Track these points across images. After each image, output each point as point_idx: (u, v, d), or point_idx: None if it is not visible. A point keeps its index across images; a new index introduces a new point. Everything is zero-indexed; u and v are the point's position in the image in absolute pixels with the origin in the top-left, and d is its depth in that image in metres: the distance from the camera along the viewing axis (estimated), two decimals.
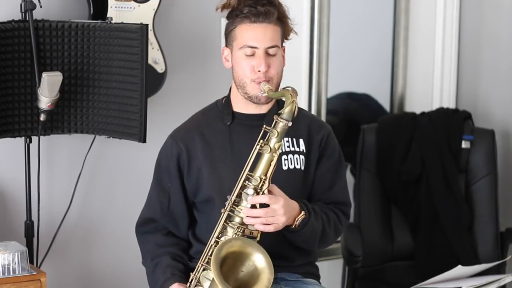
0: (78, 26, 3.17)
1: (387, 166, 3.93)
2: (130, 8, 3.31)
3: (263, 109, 2.69)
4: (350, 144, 4.17)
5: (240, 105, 2.70)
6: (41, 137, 3.20)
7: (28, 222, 3.24)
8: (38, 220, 3.27)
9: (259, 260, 2.47)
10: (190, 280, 2.58)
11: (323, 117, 4.08)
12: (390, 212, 3.95)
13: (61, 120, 3.23)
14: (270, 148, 2.52)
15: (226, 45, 2.68)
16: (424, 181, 3.92)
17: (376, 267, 3.87)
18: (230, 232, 2.53)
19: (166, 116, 3.50)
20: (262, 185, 2.52)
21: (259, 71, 2.59)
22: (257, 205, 2.51)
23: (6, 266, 2.92)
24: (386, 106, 4.45)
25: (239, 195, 2.54)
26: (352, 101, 4.47)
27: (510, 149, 4.20)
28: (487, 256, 3.86)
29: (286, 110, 2.52)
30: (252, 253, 2.47)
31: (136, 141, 3.21)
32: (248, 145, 2.59)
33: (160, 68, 3.41)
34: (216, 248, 2.46)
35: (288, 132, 2.64)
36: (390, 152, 3.95)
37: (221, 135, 2.70)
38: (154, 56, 3.38)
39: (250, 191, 2.51)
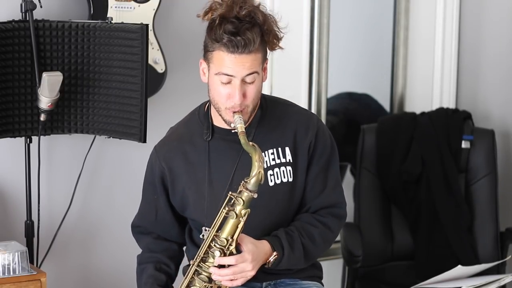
0: (78, 26, 3.17)
1: (387, 166, 3.93)
2: (130, 8, 3.31)
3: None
4: (350, 144, 4.17)
5: (220, 120, 2.60)
6: (41, 137, 3.20)
7: (28, 222, 3.24)
8: (38, 220, 3.27)
9: None
10: None
11: (323, 117, 4.08)
12: (390, 212, 3.95)
13: (61, 120, 3.23)
14: (236, 214, 2.47)
15: (204, 59, 2.56)
16: (424, 181, 3.92)
17: (376, 267, 3.87)
18: (198, 284, 2.53)
19: (166, 116, 3.50)
20: (229, 245, 2.49)
21: (234, 102, 2.50)
22: (226, 264, 2.50)
23: (6, 266, 2.92)
24: (386, 106, 4.45)
25: (206, 252, 2.52)
26: (352, 101, 4.47)
27: (510, 149, 4.20)
28: (487, 256, 3.86)
29: (252, 181, 2.43)
30: None
31: (136, 141, 3.21)
32: (227, 163, 2.56)
33: (160, 68, 3.41)
34: None
35: (274, 142, 2.60)
36: (390, 152, 3.95)
37: (202, 152, 2.64)
38: (154, 56, 3.38)
39: (217, 252, 2.48)
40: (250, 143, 2.45)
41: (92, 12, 3.27)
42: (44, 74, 3.05)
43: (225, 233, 2.48)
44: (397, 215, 3.95)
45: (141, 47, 3.13)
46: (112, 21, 3.20)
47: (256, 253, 2.51)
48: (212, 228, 2.50)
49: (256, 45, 2.47)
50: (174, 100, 3.57)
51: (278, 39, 2.55)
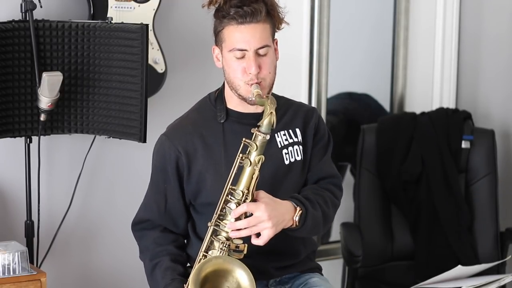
0: (78, 26, 3.17)
1: (387, 166, 3.93)
2: (130, 8, 3.31)
3: (259, 108, 2.64)
4: (350, 144, 4.17)
5: (234, 103, 2.67)
6: (41, 137, 3.20)
7: (28, 222, 3.24)
8: (38, 220, 3.27)
9: (241, 276, 2.47)
10: None
11: (323, 117, 4.09)
12: (390, 212, 3.95)
13: (61, 120, 3.23)
14: (251, 161, 2.49)
15: (216, 44, 2.64)
16: (424, 181, 3.92)
17: (376, 267, 3.87)
18: (216, 246, 2.52)
19: (166, 116, 3.50)
20: (246, 199, 2.50)
21: (250, 73, 2.55)
22: (242, 217, 2.49)
23: (6, 266, 2.92)
24: (386, 106, 4.45)
25: (223, 209, 2.52)
26: (352, 101, 4.47)
27: (510, 149, 4.21)
28: (487, 256, 3.86)
29: (264, 123, 2.49)
30: (234, 270, 2.47)
31: (136, 141, 3.21)
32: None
33: (160, 68, 3.41)
34: (195, 269, 2.45)
35: (285, 124, 2.65)
36: (390, 152, 3.95)
37: (217, 134, 2.67)
38: (154, 56, 3.38)
39: (233, 205, 2.49)
40: (264, 96, 2.53)
41: (92, 12, 3.27)
42: (44, 74, 3.05)
43: (241, 185, 2.50)
44: (397, 215, 3.95)
45: (141, 47, 3.13)
46: (112, 21, 3.20)
47: (271, 204, 2.51)
48: (228, 181, 2.51)
49: (263, 15, 2.55)
50: (174, 100, 3.57)
51: (282, 18, 2.64)
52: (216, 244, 2.52)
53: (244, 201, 2.50)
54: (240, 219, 2.49)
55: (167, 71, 3.43)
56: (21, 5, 3.12)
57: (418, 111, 4.12)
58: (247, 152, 2.50)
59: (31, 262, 3.12)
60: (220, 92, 2.71)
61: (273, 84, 2.63)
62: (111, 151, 3.50)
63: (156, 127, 3.34)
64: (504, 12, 4.20)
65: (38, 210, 3.27)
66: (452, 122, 4.00)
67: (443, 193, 3.90)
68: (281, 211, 2.53)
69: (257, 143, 2.49)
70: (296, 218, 2.55)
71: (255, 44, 2.55)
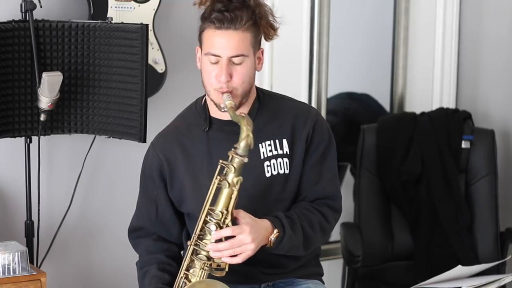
0: (78, 26, 3.17)
1: (387, 166, 3.93)
2: (130, 8, 3.31)
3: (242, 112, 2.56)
4: (350, 144, 4.17)
5: (216, 110, 2.60)
6: (41, 137, 3.20)
7: (28, 222, 3.24)
8: (38, 220, 3.27)
9: None
10: None
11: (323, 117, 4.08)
12: (390, 212, 3.95)
13: (61, 120, 3.23)
14: (229, 183, 2.44)
15: (199, 46, 2.60)
16: (424, 181, 3.92)
17: (376, 267, 3.87)
18: (198, 265, 2.49)
19: (166, 116, 3.49)
20: (225, 219, 2.45)
21: (220, 80, 2.50)
22: (223, 238, 2.45)
23: (6, 266, 2.92)
24: (386, 106, 4.45)
25: (202, 229, 2.48)
26: (352, 101, 4.47)
27: (510, 149, 4.20)
28: (487, 256, 3.86)
29: (241, 145, 2.41)
30: None
31: (136, 141, 3.21)
32: (226, 153, 2.52)
33: (160, 68, 3.41)
34: None
35: (271, 134, 2.58)
36: (390, 152, 3.95)
37: (200, 143, 2.62)
38: (154, 56, 3.38)
39: (212, 226, 2.44)
40: (238, 113, 2.46)
41: (92, 12, 3.27)
42: (44, 74, 3.05)
43: (220, 205, 2.45)
44: (397, 215, 3.95)
45: (141, 47, 3.13)
46: (112, 21, 3.20)
47: (254, 226, 2.46)
48: (206, 202, 2.46)
49: (244, 23, 2.48)
50: (174, 100, 3.57)
51: (274, 28, 2.56)
52: (197, 263, 2.49)
53: (223, 221, 2.45)
54: (221, 240, 2.45)
55: (167, 71, 3.43)
56: (21, 5, 3.12)
57: (418, 111, 4.12)
58: (224, 173, 2.45)
59: (31, 262, 3.12)
60: (206, 99, 2.67)
61: (247, 94, 2.56)
62: (111, 151, 3.50)
63: (156, 127, 3.33)
64: (504, 12, 4.20)
65: (38, 210, 3.27)
66: (452, 122, 4.00)
67: (443, 193, 3.90)
68: (261, 232, 2.48)
69: (234, 165, 2.43)
70: (272, 239, 2.50)
71: (230, 52, 2.49)
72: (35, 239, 3.26)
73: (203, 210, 2.47)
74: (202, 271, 2.48)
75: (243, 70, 2.51)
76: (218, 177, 2.45)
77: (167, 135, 2.69)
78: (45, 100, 3.09)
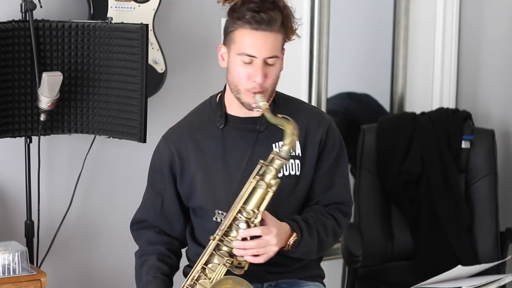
0: (78, 26, 3.17)
1: (387, 166, 3.93)
2: (130, 8, 3.31)
3: (257, 112, 2.58)
4: (350, 144, 4.15)
5: (234, 107, 2.62)
6: (41, 137, 3.20)
7: (28, 222, 3.24)
8: (38, 220, 3.27)
9: None
10: None
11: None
12: (390, 212, 3.95)
13: (61, 120, 3.23)
14: (266, 184, 2.46)
15: (224, 43, 2.58)
16: (424, 181, 3.92)
17: (376, 267, 3.87)
18: (218, 261, 2.50)
19: (166, 116, 3.50)
20: (255, 218, 2.47)
21: (255, 81, 2.51)
22: (248, 237, 2.47)
23: (6, 266, 2.92)
24: (386, 106, 4.45)
25: (229, 226, 2.49)
26: (352, 101, 4.47)
27: (510, 149, 4.20)
28: (487, 256, 3.86)
29: (285, 149, 2.45)
30: None
31: (136, 141, 3.21)
32: (241, 151, 2.55)
33: (160, 68, 3.41)
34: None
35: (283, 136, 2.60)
36: (390, 152, 3.95)
37: (214, 140, 2.63)
38: (154, 56, 3.38)
39: (242, 224, 2.46)
40: (278, 115, 2.49)
41: (92, 12, 3.27)
42: (44, 74, 3.05)
43: (252, 204, 2.47)
44: (397, 215, 3.95)
45: (141, 47, 3.13)
46: (112, 21, 3.20)
47: (279, 229, 2.49)
48: (240, 200, 2.47)
49: (278, 25, 2.50)
50: (174, 100, 3.57)
51: (294, 30, 2.59)
52: (218, 258, 2.50)
53: (253, 221, 2.47)
54: (246, 239, 2.47)
55: (167, 71, 3.43)
56: (21, 5, 3.12)
57: (418, 111, 4.12)
58: (261, 174, 2.47)
59: (31, 262, 3.12)
60: (222, 95, 2.68)
61: (272, 94, 2.60)
62: (111, 151, 3.50)
63: (156, 127, 3.34)
64: (504, 12, 4.20)
65: (38, 210, 3.27)
66: (452, 122, 4.00)
67: (443, 193, 3.90)
68: (283, 235, 2.51)
69: (275, 167, 2.46)
70: (290, 242, 2.53)
71: (266, 53, 2.50)
72: (35, 239, 3.26)
73: (235, 207, 2.48)
74: (223, 267, 2.49)
75: (275, 71, 2.54)
76: (257, 177, 2.47)
77: (180, 129, 2.70)
78: (45, 100, 3.09)
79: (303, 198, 2.68)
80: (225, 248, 2.49)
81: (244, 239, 2.46)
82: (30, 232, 3.24)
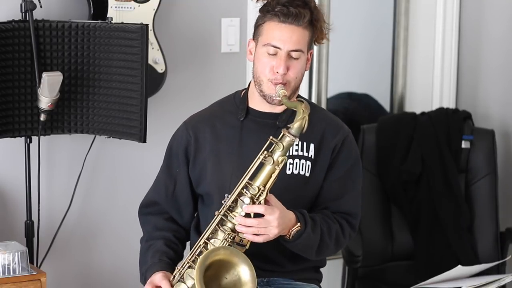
0: (78, 26, 3.17)
1: (387, 166, 3.93)
2: (130, 8, 3.31)
3: (278, 109, 2.65)
4: None
5: (256, 102, 2.67)
6: (41, 137, 3.20)
7: (28, 222, 3.24)
8: (38, 220, 3.27)
9: (244, 272, 2.45)
10: (174, 274, 2.56)
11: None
12: (390, 212, 3.95)
13: (61, 120, 3.23)
14: (273, 160, 2.48)
15: (253, 38, 2.65)
16: (424, 181, 3.92)
17: (376, 267, 3.87)
18: (220, 236, 2.51)
19: (166, 116, 3.51)
20: (260, 195, 2.49)
21: (277, 72, 2.56)
22: (252, 215, 2.48)
23: (6, 266, 2.92)
24: (386, 106, 4.45)
25: (235, 201, 2.51)
26: (352, 101, 4.47)
27: (510, 149, 4.20)
28: (487, 256, 3.86)
29: (295, 126, 2.47)
30: (238, 263, 2.45)
31: (136, 141, 3.21)
32: (257, 143, 2.56)
33: (160, 68, 3.41)
34: (203, 254, 2.44)
35: (301, 135, 2.59)
36: (390, 152, 3.95)
37: (232, 129, 2.67)
38: (154, 56, 3.38)
39: (246, 199, 2.48)
40: (293, 100, 2.55)
41: (92, 12, 3.27)
42: (44, 74, 3.05)
43: (258, 181, 2.49)
44: (397, 215, 3.95)
45: (141, 47, 3.13)
46: (112, 21, 3.20)
47: (283, 213, 2.51)
48: (246, 175, 2.50)
49: (306, 21, 2.57)
50: (174, 100, 3.57)
51: (324, 33, 2.65)
52: (220, 234, 2.51)
53: (258, 198, 2.49)
54: (249, 216, 2.49)
55: (167, 71, 3.43)
56: (21, 5, 3.12)
57: (418, 111, 4.12)
58: (270, 150, 2.49)
59: (31, 262, 3.12)
60: (246, 91, 2.73)
61: (296, 90, 2.63)
62: (111, 151, 3.50)
63: (156, 127, 3.35)
64: (504, 12, 4.20)
65: (38, 210, 3.27)
66: (452, 122, 4.00)
67: (443, 193, 3.90)
68: (286, 221, 2.52)
69: (284, 144, 2.48)
70: (292, 232, 2.54)
71: (290, 45, 2.56)
72: (35, 239, 3.26)
73: (241, 182, 2.51)
74: (224, 242, 2.50)
75: (298, 65, 2.59)
76: (265, 153, 2.49)
77: (201, 116, 2.75)
78: (45, 100, 3.09)
79: (309, 202, 2.69)
80: (228, 224, 2.51)
81: (247, 215, 2.48)
82: (30, 232, 3.24)
